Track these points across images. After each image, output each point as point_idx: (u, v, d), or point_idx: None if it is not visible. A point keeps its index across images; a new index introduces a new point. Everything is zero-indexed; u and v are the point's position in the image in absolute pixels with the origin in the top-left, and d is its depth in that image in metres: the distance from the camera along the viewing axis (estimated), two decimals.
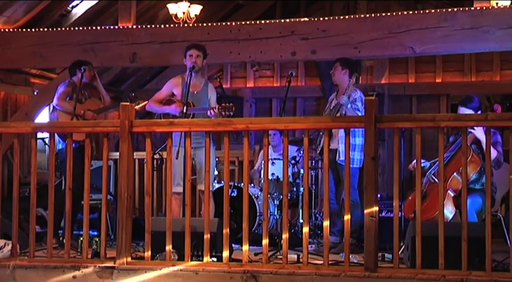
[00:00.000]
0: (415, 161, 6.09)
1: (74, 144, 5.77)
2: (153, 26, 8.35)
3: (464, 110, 6.09)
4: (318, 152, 7.02)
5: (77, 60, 7.38)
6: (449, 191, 5.94)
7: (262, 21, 7.97)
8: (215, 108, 6.47)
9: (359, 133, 6.50)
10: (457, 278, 4.80)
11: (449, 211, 5.89)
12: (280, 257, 5.62)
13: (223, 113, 6.38)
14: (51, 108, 7.52)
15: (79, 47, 8.14)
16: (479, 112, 6.07)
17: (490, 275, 4.81)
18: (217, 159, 7.49)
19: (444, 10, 7.43)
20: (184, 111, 6.39)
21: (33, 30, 8.42)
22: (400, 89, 10.95)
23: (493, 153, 5.85)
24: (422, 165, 6.06)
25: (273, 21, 8.09)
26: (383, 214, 7.01)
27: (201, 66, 6.77)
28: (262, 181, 7.79)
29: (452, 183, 5.95)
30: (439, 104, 10.81)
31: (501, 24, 7.13)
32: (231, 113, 6.36)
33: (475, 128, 5.88)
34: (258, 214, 7.88)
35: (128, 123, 5.42)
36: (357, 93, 6.82)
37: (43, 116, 9.21)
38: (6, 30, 8.47)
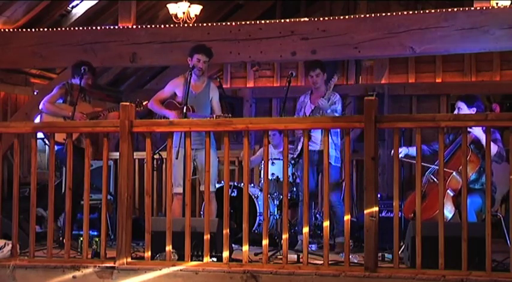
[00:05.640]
0: (401, 150, 6.09)
1: (57, 146, 5.76)
2: (153, 26, 8.36)
3: (461, 105, 6.10)
4: (295, 155, 7.06)
5: (81, 61, 7.28)
6: (448, 191, 5.93)
7: (262, 21, 7.97)
8: (213, 118, 6.50)
9: (336, 132, 6.81)
10: (457, 278, 4.80)
11: (448, 211, 5.89)
12: (280, 257, 5.62)
13: None
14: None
15: (79, 47, 8.14)
16: (473, 109, 6.07)
17: (490, 275, 4.81)
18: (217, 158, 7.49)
19: (444, 10, 7.44)
20: (184, 111, 6.39)
21: (33, 30, 8.43)
22: (400, 89, 10.95)
23: (495, 148, 5.86)
24: (404, 153, 6.06)
25: (273, 21, 8.10)
26: (383, 214, 7.01)
27: (204, 71, 6.80)
28: (262, 181, 7.79)
29: (451, 183, 5.95)
30: (439, 104, 10.80)
31: (501, 24, 7.14)
32: None
33: (473, 127, 5.88)
34: (258, 214, 7.87)
35: (127, 123, 5.42)
36: (336, 96, 6.96)
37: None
38: (6, 30, 8.47)
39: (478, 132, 5.95)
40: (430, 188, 6.04)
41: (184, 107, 6.40)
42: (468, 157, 5.80)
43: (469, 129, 5.91)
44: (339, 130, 6.73)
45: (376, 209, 5.03)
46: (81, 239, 5.63)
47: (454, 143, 6.14)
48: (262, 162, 7.44)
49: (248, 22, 8.06)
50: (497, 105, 6.26)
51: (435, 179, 5.96)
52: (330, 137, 6.83)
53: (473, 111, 6.06)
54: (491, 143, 5.74)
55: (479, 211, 5.90)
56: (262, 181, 7.77)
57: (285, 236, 5.25)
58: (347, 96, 10.39)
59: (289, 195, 6.12)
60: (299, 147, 6.95)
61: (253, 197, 7.87)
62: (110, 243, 6.26)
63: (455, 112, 6.16)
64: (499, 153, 5.92)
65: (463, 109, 6.11)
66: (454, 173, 5.93)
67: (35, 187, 5.60)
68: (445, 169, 5.79)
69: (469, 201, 5.65)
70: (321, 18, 8.09)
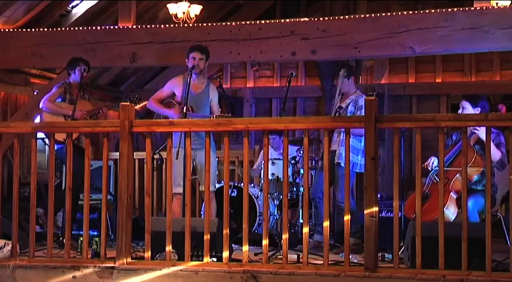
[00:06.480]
0: (430, 159, 6.10)
1: (57, 145, 5.77)
2: (153, 26, 8.35)
3: (466, 104, 6.08)
4: (320, 155, 7.04)
5: (75, 57, 7.36)
6: (451, 193, 5.90)
7: (262, 21, 7.97)
8: (213, 118, 6.49)
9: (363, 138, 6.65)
10: (457, 278, 4.79)
11: (451, 213, 5.85)
12: (280, 257, 5.61)
13: None
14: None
15: (79, 47, 8.14)
16: (478, 109, 6.05)
17: (490, 275, 4.81)
18: (217, 159, 7.49)
19: (444, 10, 7.43)
20: (184, 111, 6.39)
21: (33, 30, 8.42)
22: (400, 89, 10.96)
23: (498, 155, 5.83)
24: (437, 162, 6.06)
25: (273, 21, 8.09)
26: (383, 214, 7.01)
27: (203, 69, 6.80)
28: (262, 181, 7.79)
29: (455, 185, 5.88)
30: (439, 104, 10.81)
31: (501, 24, 7.13)
32: None
33: (478, 128, 5.84)
34: (258, 214, 7.88)
35: (127, 123, 5.42)
36: (363, 99, 6.88)
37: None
38: (6, 30, 8.47)
39: (482, 135, 5.91)
40: (433, 188, 6.00)
41: (184, 107, 6.41)
42: (473, 158, 5.78)
43: (473, 130, 5.90)
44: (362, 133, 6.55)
45: (376, 209, 5.03)
46: (81, 239, 5.62)
47: (458, 144, 6.08)
48: (262, 162, 7.44)
49: (248, 22, 8.05)
50: (504, 105, 6.23)
51: (438, 180, 5.93)
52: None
53: (477, 111, 6.02)
54: (495, 148, 5.75)
55: (482, 212, 5.87)
56: (262, 181, 7.77)
57: (285, 236, 5.25)
58: None
59: (289, 195, 6.12)
60: (322, 150, 6.92)
61: (253, 197, 7.87)
62: (110, 243, 6.26)
63: (460, 111, 6.12)
64: (501, 160, 5.86)
65: (468, 109, 6.07)
66: (457, 175, 5.87)
67: (35, 187, 5.60)
68: (449, 168, 5.80)
69: (472, 201, 5.66)
70: (321, 18, 8.09)
